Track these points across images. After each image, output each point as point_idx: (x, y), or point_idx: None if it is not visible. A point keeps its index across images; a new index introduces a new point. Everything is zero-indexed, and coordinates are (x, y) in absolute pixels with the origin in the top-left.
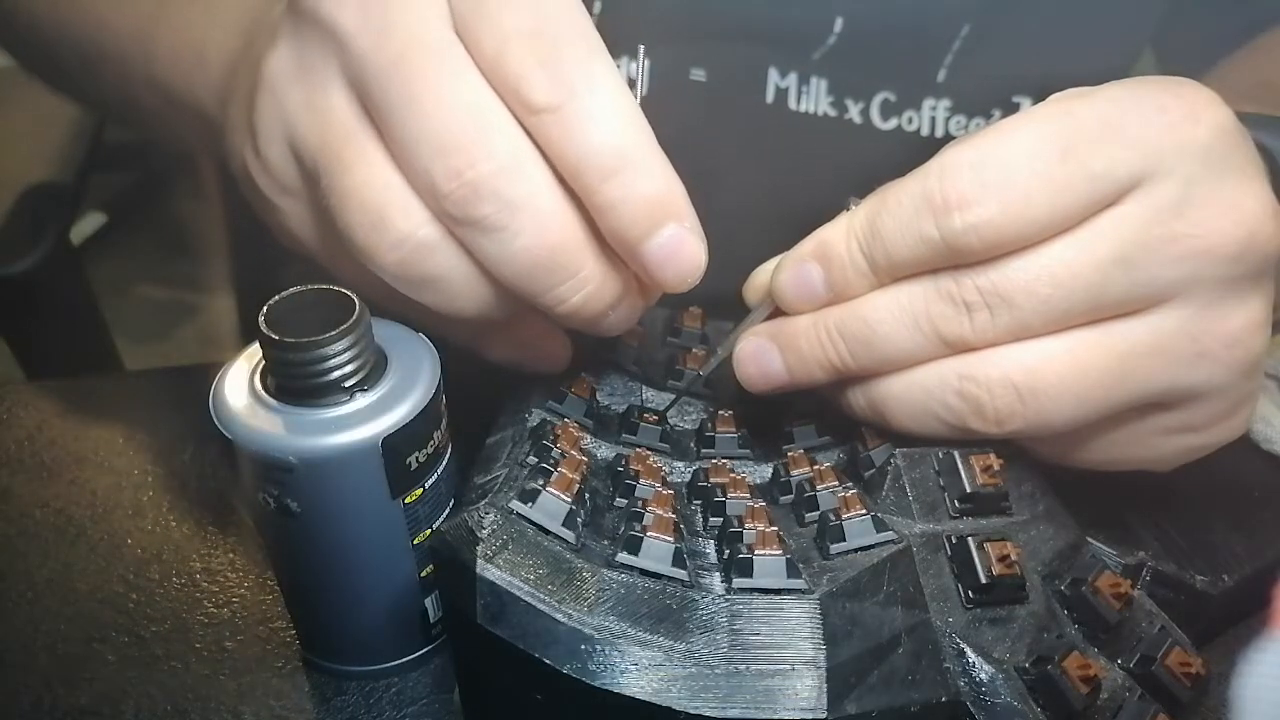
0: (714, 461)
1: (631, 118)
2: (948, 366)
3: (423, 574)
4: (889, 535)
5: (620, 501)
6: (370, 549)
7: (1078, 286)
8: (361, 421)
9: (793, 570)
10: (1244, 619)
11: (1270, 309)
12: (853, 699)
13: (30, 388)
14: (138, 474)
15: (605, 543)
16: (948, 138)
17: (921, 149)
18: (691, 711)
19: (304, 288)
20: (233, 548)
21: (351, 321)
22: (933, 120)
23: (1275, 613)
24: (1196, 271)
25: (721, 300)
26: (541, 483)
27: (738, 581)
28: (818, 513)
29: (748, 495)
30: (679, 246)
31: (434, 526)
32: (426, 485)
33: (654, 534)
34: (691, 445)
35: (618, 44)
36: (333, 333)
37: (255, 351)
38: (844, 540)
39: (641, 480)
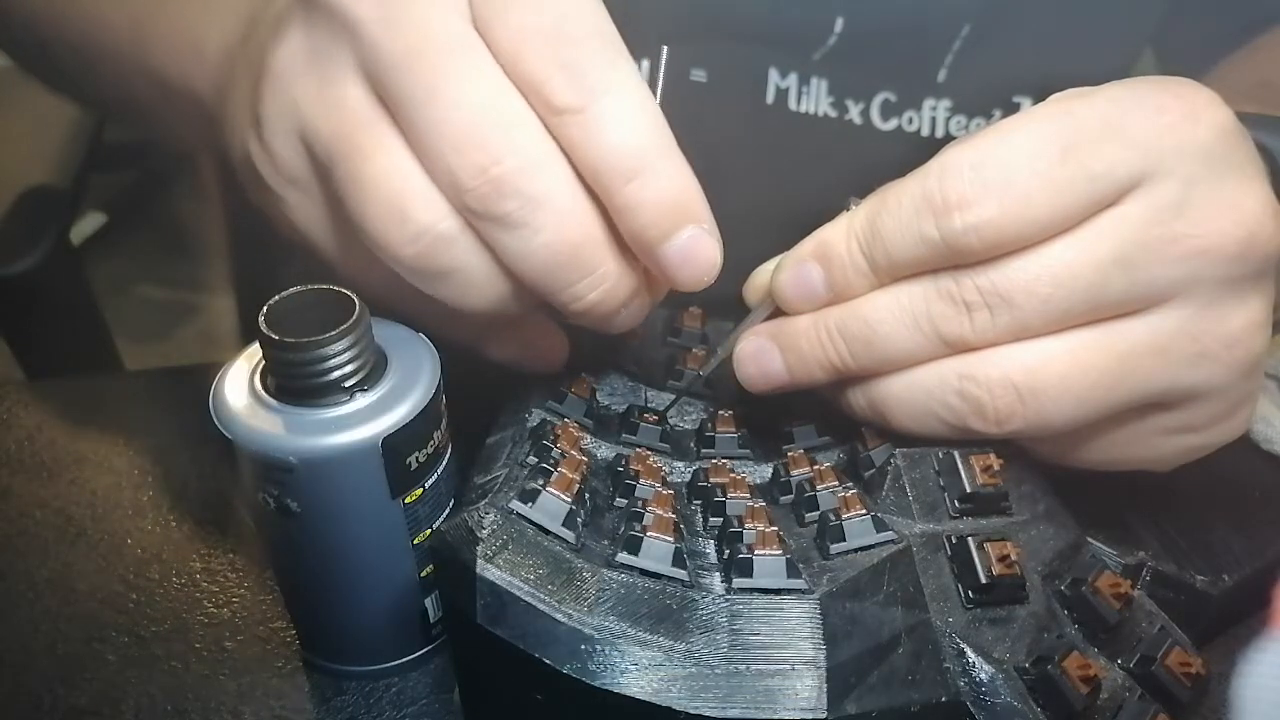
0: (714, 461)
1: (653, 120)
2: (948, 366)
3: (423, 574)
4: (889, 535)
5: (620, 501)
6: (370, 549)
7: (1078, 286)
8: (361, 421)
9: (793, 570)
10: (1244, 619)
11: (1270, 309)
12: (853, 699)
13: (30, 388)
14: (138, 474)
15: (605, 543)
16: (948, 138)
17: (922, 149)
18: (691, 711)
19: (304, 288)
20: (233, 548)
21: (351, 321)
22: (933, 120)
23: (1275, 613)
24: (1196, 271)
25: (721, 300)
26: (541, 483)
27: (738, 581)
28: (818, 513)
29: (748, 495)
30: (697, 248)
31: (434, 526)
32: (426, 485)
33: (654, 534)
34: (691, 445)
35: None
36: (333, 333)
37: (255, 351)
38: (844, 540)
39: (641, 480)
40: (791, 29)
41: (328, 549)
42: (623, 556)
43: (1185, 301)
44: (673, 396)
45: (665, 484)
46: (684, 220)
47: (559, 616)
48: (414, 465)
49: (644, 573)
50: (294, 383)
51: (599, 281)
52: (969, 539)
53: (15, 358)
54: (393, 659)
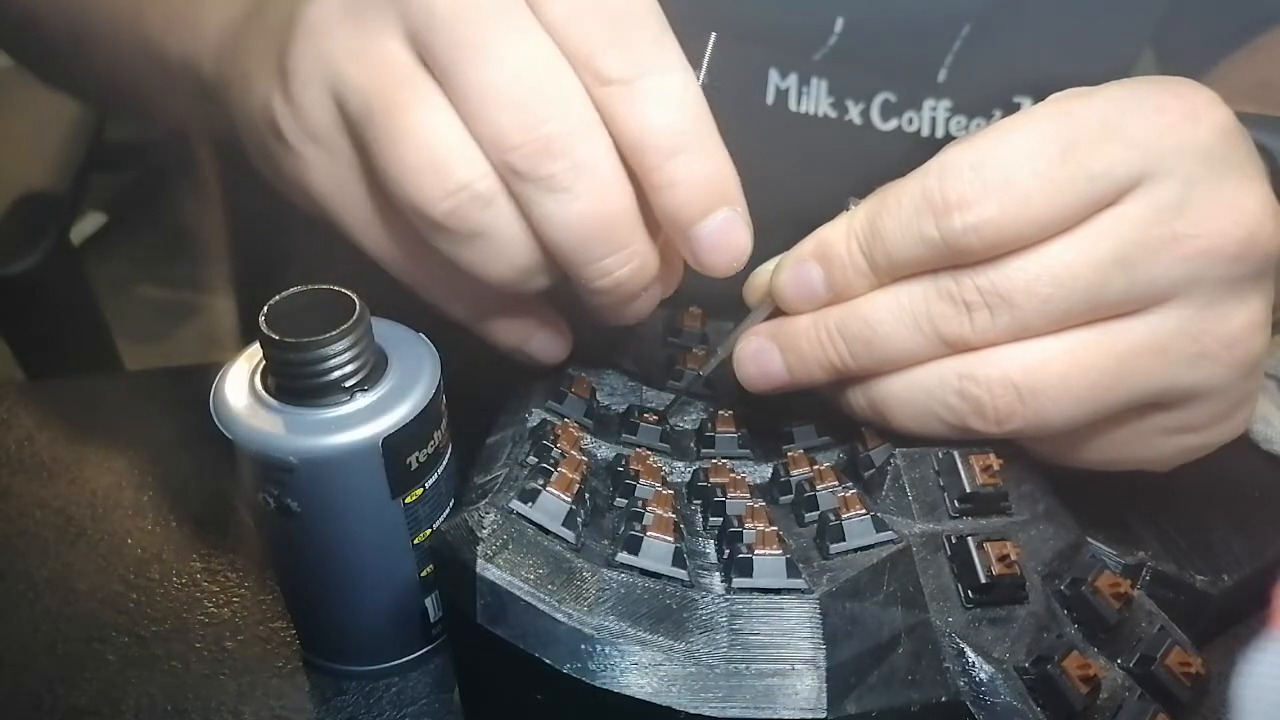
0: (714, 461)
1: (697, 101)
2: (948, 366)
3: (423, 574)
4: (889, 535)
5: (620, 501)
6: (370, 549)
7: (1077, 286)
8: (362, 421)
9: (793, 570)
10: (1244, 619)
11: (1270, 309)
12: (853, 699)
13: (30, 388)
14: (138, 474)
15: (605, 543)
16: (948, 138)
17: (922, 150)
18: (691, 711)
19: (304, 288)
20: (233, 548)
21: (351, 321)
22: (933, 121)
23: (1275, 613)
24: (1196, 271)
25: (721, 300)
26: (541, 483)
27: (738, 581)
28: (817, 513)
29: (748, 495)
30: (730, 231)
31: (434, 526)
32: (426, 485)
33: (654, 534)
34: (691, 445)
35: None
36: (333, 333)
37: (255, 351)
38: (844, 540)
39: (641, 480)
40: (792, 29)
41: (328, 549)
42: (623, 556)
43: (1185, 301)
44: (673, 396)
45: (665, 484)
46: (720, 202)
47: (559, 616)
48: (414, 465)
49: (644, 572)
50: (294, 383)
51: (627, 259)
52: (969, 539)
53: (15, 358)
54: (393, 659)
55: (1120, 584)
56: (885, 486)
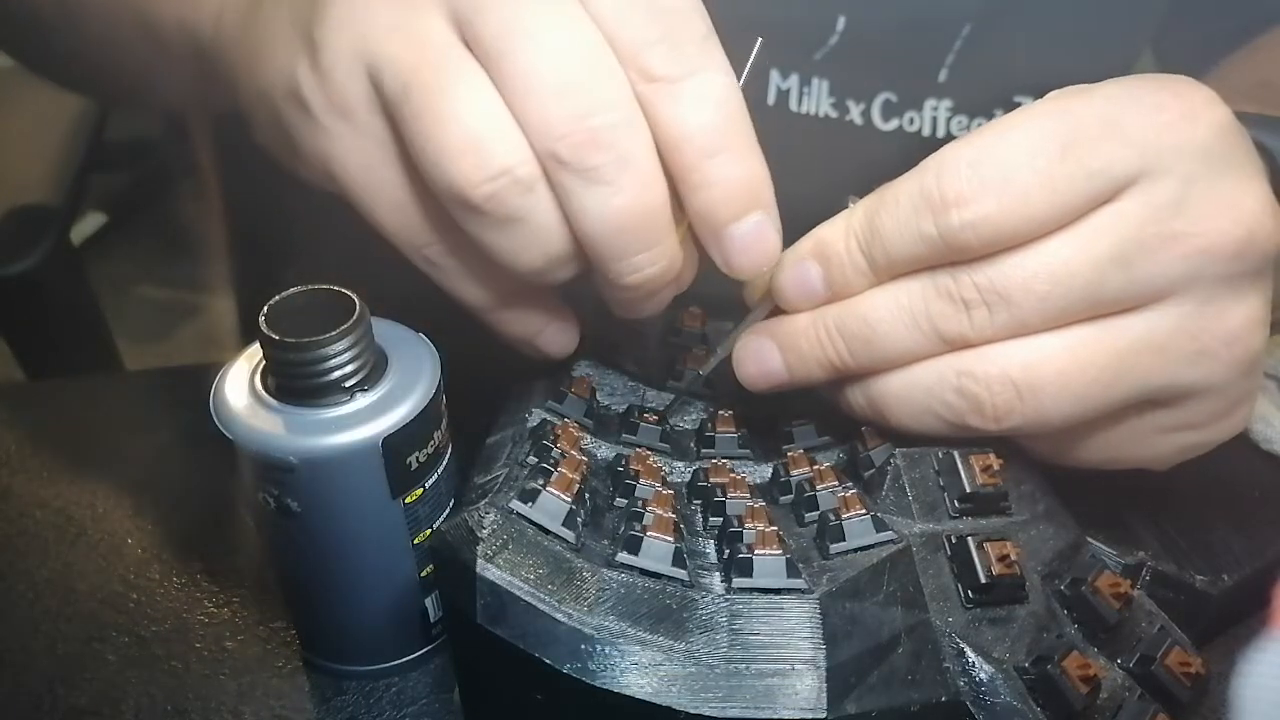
0: (714, 461)
1: (740, 104)
2: (946, 364)
3: (423, 574)
4: (889, 535)
5: (620, 501)
6: (370, 549)
7: (1075, 284)
8: (362, 421)
9: (793, 570)
10: (1244, 619)
11: (1269, 307)
12: (853, 699)
13: (30, 388)
14: (138, 474)
15: (605, 543)
16: (949, 138)
17: (923, 150)
18: (691, 711)
19: (304, 288)
20: (233, 548)
21: (351, 321)
22: (934, 121)
23: (1275, 613)
24: (1195, 269)
25: (721, 300)
26: (541, 483)
27: (738, 581)
28: (817, 513)
29: (748, 495)
30: (761, 235)
31: (434, 526)
32: (427, 485)
33: (654, 534)
34: (691, 445)
35: None
36: (333, 333)
37: (255, 351)
38: (844, 540)
39: (641, 480)
40: (793, 28)
41: (328, 549)
42: (623, 556)
43: (1184, 299)
44: (673, 396)
45: (665, 484)
46: (754, 205)
47: (559, 616)
48: (414, 465)
49: (644, 572)
50: (294, 383)
51: (657, 257)
52: (969, 539)
53: (15, 358)
54: (393, 659)
55: (1120, 584)
56: (885, 486)
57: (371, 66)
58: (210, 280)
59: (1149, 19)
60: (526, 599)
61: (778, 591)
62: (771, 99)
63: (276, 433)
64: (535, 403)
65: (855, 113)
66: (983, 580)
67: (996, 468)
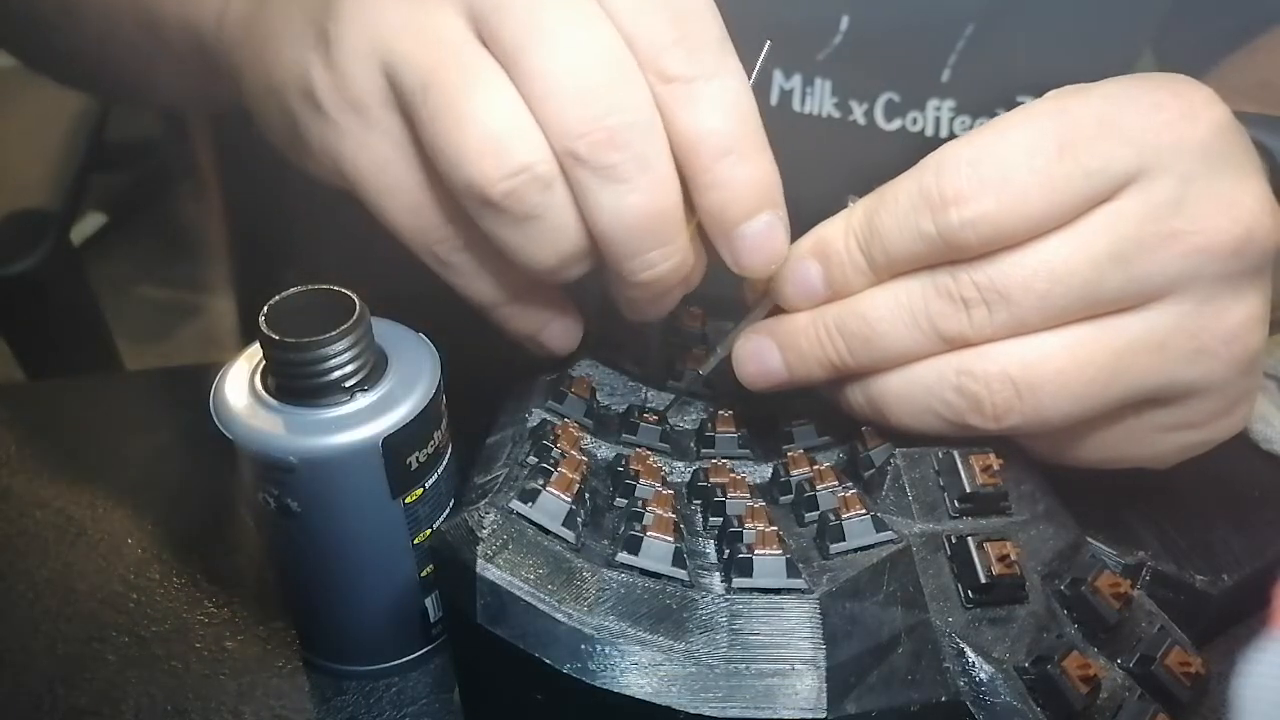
0: (714, 461)
1: (752, 105)
2: (946, 362)
3: (423, 574)
4: (889, 535)
5: (620, 501)
6: (370, 549)
7: (1074, 282)
8: (362, 421)
9: (792, 570)
10: (1244, 619)
11: (1268, 305)
12: (852, 699)
13: (30, 388)
14: (138, 474)
15: (605, 543)
16: (951, 138)
17: (925, 150)
18: (691, 711)
19: (304, 288)
20: (233, 548)
21: (351, 321)
22: (937, 121)
23: (1275, 613)
24: (1193, 268)
25: (721, 300)
26: (541, 483)
27: (737, 581)
28: (817, 513)
29: (748, 495)
30: (771, 234)
31: (434, 526)
32: (426, 485)
33: (654, 534)
34: (691, 445)
35: None
36: (333, 333)
37: (255, 351)
38: (844, 540)
39: (641, 480)
40: (797, 29)
41: (328, 549)
42: (623, 556)
43: (1182, 297)
44: (673, 396)
45: (665, 484)
46: (765, 205)
47: (559, 616)
48: (414, 465)
49: (644, 572)
50: (294, 383)
51: (671, 254)
52: (969, 539)
53: (15, 358)
54: (393, 659)
55: (1120, 584)
56: (885, 486)
57: (387, 63)
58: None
59: (1150, 19)
60: (526, 599)
61: (778, 591)
62: (774, 99)
63: (276, 433)
64: (535, 403)
65: (858, 113)
66: (983, 580)
67: (996, 468)
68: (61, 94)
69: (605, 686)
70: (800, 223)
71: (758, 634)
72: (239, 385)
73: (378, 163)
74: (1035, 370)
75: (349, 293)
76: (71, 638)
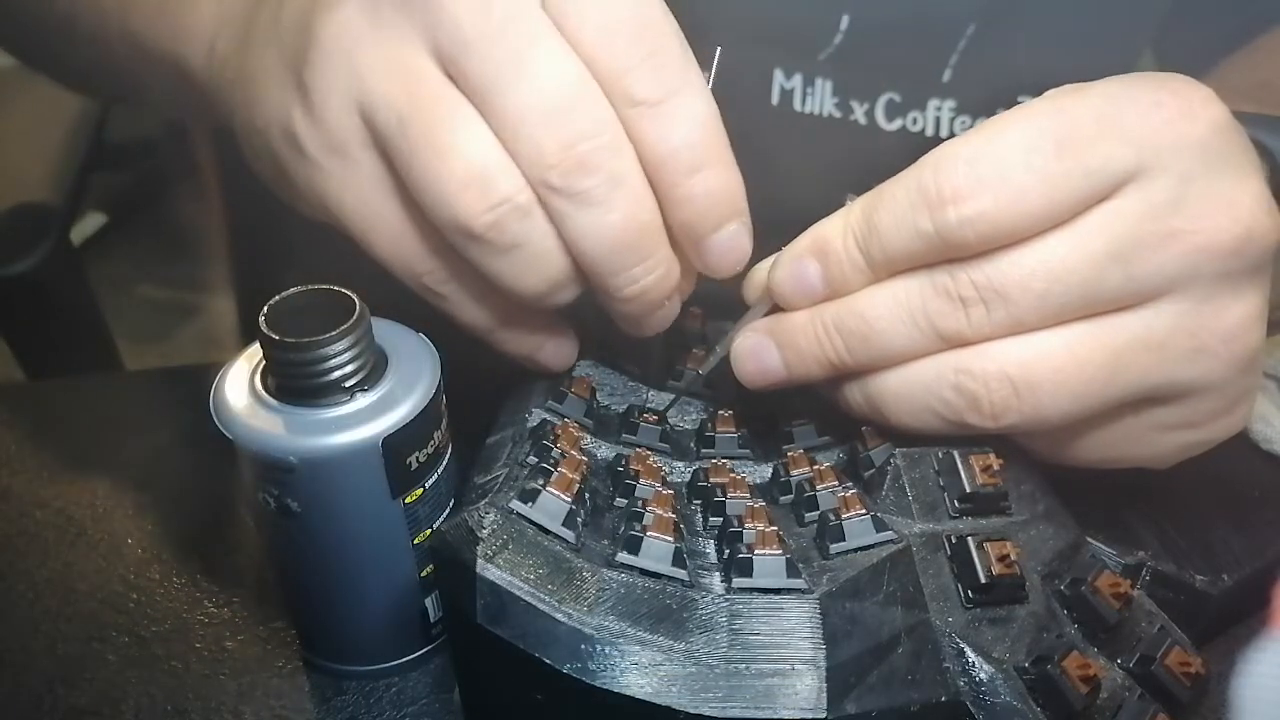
0: (714, 461)
1: (716, 119)
2: (944, 361)
3: (423, 574)
4: (889, 535)
5: (620, 501)
6: (370, 549)
7: (1073, 281)
8: (362, 421)
9: (792, 570)
10: (1244, 619)
11: (1267, 304)
12: (852, 699)
13: (30, 388)
14: (138, 474)
15: (605, 543)
16: (952, 138)
17: (926, 150)
18: (691, 711)
19: (304, 288)
20: (233, 548)
21: (352, 321)
22: (937, 120)
23: (1275, 613)
24: (1192, 267)
25: (721, 300)
26: (541, 483)
27: (737, 581)
28: (817, 512)
29: (748, 495)
30: (738, 241)
31: (434, 526)
32: (426, 485)
33: (654, 534)
34: (691, 445)
35: None
36: (333, 333)
37: (255, 351)
38: (844, 540)
39: (641, 480)
40: (798, 28)
41: (328, 549)
42: (623, 556)
43: (1181, 296)
44: (673, 396)
45: (665, 484)
46: (732, 214)
47: (559, 616)
48: (414, 465)
49: (644, 572)
50: (294, 383)
51: (654, 268)
52: (969, 539)
53: (15, 358)
54: (393, 659)
55: (1120, 584)
56: (885, 486)
57: (363, 105)
58: (210, 280)
59: (1150, 19)
60: (526, 599)
61: (778, 591)
62: (775, 99)
63: (276, 433)
64: (535, 403)
65: (859, 113)
66: (983, 580)
67: (996, 468)
68: (61, 94)
69: (605, 686)
70: (800, 222)
71: (758, 634)
72: (239, 385)
73: (361, 201)
74: (1033, 369)
75: (349, 293)
76: (71, 638)
